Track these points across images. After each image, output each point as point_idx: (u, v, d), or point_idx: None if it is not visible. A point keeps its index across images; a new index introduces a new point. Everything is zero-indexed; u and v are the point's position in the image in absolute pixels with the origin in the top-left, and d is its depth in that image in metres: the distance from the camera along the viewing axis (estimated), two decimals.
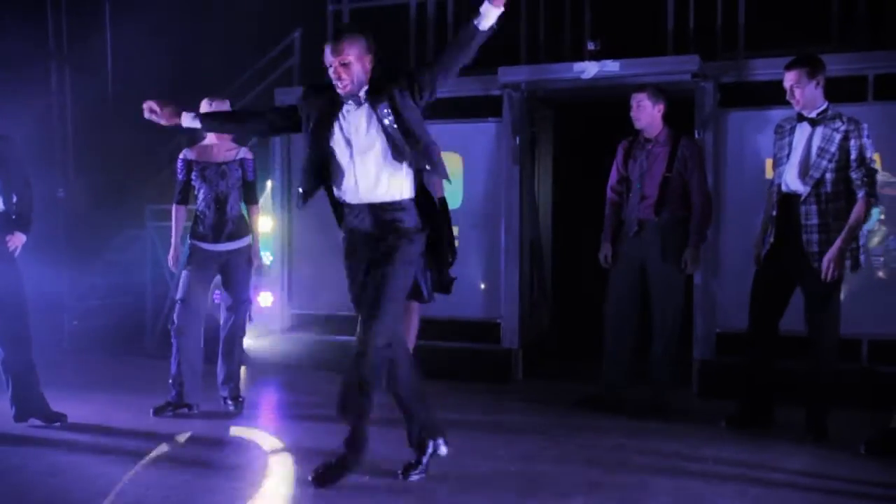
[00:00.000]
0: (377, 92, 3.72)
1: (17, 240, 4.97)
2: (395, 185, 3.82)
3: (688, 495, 3.92)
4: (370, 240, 3.85)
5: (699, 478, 4.16)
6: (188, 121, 4.00)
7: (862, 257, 4.73)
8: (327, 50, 3.68)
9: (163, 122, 3.96)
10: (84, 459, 4.44)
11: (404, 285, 3.84)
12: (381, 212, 3.83)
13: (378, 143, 3.75)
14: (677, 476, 4.18)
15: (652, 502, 3.85)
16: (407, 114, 3.72)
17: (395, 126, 3.71)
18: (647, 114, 5.38)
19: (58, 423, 5.01)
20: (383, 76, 3.76)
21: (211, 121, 4.23)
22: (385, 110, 3.71)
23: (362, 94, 3.74)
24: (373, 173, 3.77)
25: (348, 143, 3.79)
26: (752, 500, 3.88)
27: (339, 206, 3.95)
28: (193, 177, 5.40)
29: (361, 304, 3.84)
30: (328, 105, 3.80)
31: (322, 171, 3.86)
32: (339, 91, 3.72)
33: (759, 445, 4.69)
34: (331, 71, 3.69)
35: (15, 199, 4.97)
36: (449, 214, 5.75)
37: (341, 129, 3.80)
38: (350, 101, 3.75)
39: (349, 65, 3.64)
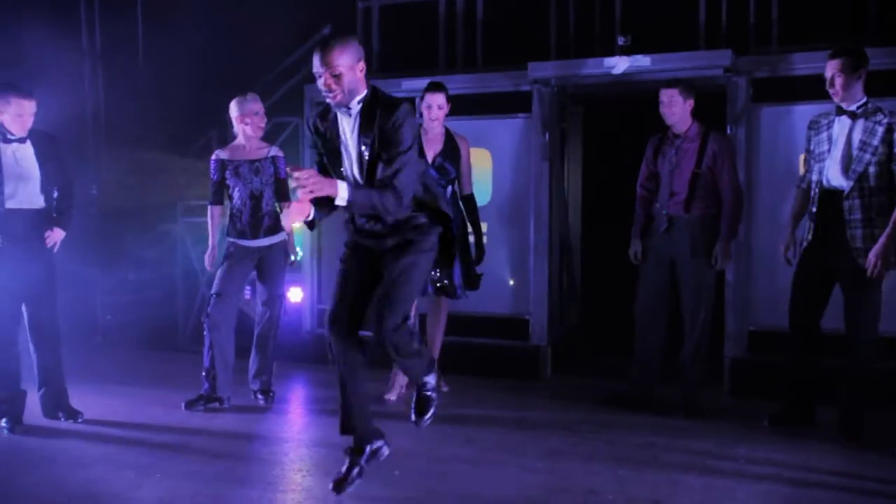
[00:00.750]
0: (368, 118, 3.55)
1: (57, 235, 5.02)
2: None
3: (718, 494, 3.88)
4: (378, 238, 3.72)
5: (730, 477, 4.12)
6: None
7: None
8: (316, 60, 3.49)
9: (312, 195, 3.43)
10: (116, 452, 4.48)
11: (421, 278, 3.74)
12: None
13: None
14: (707, 474, 4.15)
15: (682, 500, 3.81)
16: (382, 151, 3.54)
17: (368, 159, 3.59)
18: (679, 109, 5.32)
19: (71, 420, 5.04)
20: (379, 104, 3.56)
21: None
22: (364, 146, 3.58)
23: (354, 104, 3.56)
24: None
25: (346, 149, 3.67)
26: (783, 499, 3.83)
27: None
28: (228, 175, 5.44)
29: (351, 298, 3.73)
30: (329, 122, 3.69)
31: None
32: (329, 101, 3.58)
33: (793, 445, 4.63)
34: (320, 82, 3.51)
35: (56, 196, 5.02)
36: (477, 211, 5.76)
37: (340, 137, 3.67)
38: (342, 110, 3.60)
39: (340, 76, 3.47)
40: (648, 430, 4.93)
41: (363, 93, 3.58)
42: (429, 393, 3.93)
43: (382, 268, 3.67)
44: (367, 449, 3.84)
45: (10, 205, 4.83)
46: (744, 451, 4.52)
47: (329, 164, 3.72)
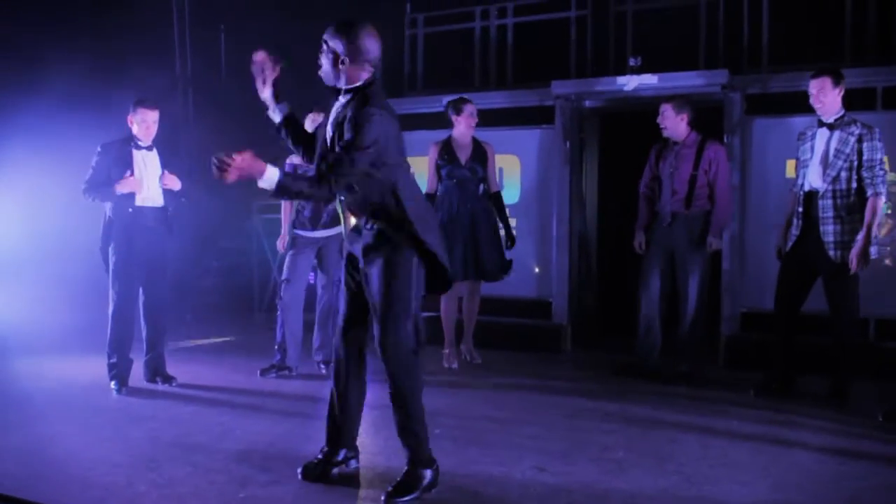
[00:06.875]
0: (345, 109, 3.15)
1: (174, 182, 5.03)
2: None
3: (713, 452, 3.88)
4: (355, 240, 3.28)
5: (723, 436, 4.11)
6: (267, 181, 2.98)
7: (872, 249, 4.59)
8: None
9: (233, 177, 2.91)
10: (202, 411, 4.51)
11: (405, 287, 3.17)
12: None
13: None
14: (703, 434, 4.13)
15: (681, 456, 3.83)
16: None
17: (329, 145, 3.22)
18: (671, 122, 5.37)
19: (167, 384, 5.09)
20: (358, 100, 3.11)
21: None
22: (330, 131, 3.21)
23: (342, 95, 3.19)
24: None
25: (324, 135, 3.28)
26: (770, 456, 3.83)
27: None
28: None
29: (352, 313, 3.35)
30: (328, 109, 3.32)
31: None
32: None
33: (780, 411, 4.60)
34: None
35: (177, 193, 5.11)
36: (505, 207, 5.81)
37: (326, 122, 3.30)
38: (336, 99, 3.22)
39: (322, 53, 3.17)
40: (654, 396, 4.93)
41: (353, 84, 3.15)
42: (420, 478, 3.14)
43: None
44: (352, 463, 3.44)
45: (138, 202, 4.92)
46: (736, 416, 4.49)
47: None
